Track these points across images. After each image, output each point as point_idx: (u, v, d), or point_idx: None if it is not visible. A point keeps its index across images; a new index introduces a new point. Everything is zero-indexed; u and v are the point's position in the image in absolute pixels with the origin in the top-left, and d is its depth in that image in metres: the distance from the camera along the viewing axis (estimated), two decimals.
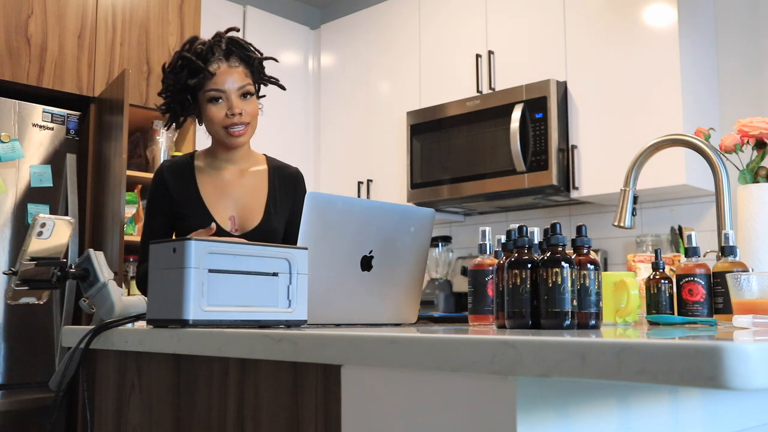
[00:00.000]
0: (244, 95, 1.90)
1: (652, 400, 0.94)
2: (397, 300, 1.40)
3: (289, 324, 1.16)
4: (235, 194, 1.95)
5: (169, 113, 1.98)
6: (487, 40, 3.77)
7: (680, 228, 3.17)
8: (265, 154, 2.08)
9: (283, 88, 2.07)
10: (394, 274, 1.38)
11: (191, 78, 1.88)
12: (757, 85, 3.29)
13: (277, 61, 2.10)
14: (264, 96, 2.04)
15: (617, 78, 3.30)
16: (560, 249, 1.07)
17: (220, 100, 1.88)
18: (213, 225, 1.76)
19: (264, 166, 2.03)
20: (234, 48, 1.94)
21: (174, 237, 1.96)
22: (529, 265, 1.08)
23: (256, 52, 1.98)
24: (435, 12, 4.02)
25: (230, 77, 1.89)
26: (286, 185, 2.03)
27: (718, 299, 1.31)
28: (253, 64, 1.96)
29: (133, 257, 3.40)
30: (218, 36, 1.95)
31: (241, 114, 1.88)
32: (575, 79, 3.43)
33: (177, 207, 1.92)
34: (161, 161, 3.52)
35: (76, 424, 2.98)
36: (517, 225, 1.16)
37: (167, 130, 2.01)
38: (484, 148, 3.59)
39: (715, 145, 1.68)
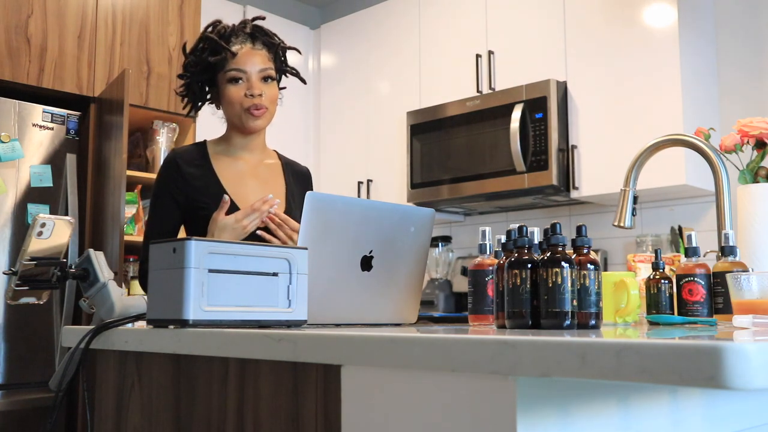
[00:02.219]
0: (265, 79, 1.86)
1: (652, 400, 0.94)
2: (397, 300, 1.40)
3: (289, 324, 1.16)
4: (253, 184, 1.89)
5: (188, 97, 1.92)
6: (487, 40, 3.77)
7: (680, 228, 3.17)
8: (275, 150, 2.04)
9: (303, 81, 2.03)
10: (394, 274, 1.38)
11: (212, 56, 1.84)
12: (757, 85, 3.29)
13: (300, 52, 2.08)
14: (284, 88, 2.00)
15: (617, 78, 3.30)
16: (560, 249, 1.07)
17: (240, 81, 1.84)
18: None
19: (277, 161, 1.99)
20: (258, 33, 1.89)
21: (185, 229, 1.89)
22: (529, 265, 1.08)
23: (281, 41, 1.93)
24: (435, 12, 4.02)
25: (252, 59, 1.85)
26: (299, 181, 1.99)
27: (718, 299, 1.31)
28: (276, 51, 1.91)
29: (134, 257, 3.40)
30: (243, 21, 1.91)
31: (261, 95, 1.83)
32: (575, 79, 3.43)
33: (195, 195, 1.82)
34: (161, 161, 3.52)
35: (76, 424, 2.98)
36: (517, 225, 1.16)
37: (186, 115, 1.93)
38: (484, 148, 3.59)
39: (715, 145, 1.68)
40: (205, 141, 1.95)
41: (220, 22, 1.91)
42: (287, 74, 1.98)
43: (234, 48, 1.85)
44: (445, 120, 3.78)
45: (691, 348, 0.61)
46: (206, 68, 1.87)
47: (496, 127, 3.54)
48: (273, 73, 1.88)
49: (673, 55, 3.14)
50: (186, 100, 1.94)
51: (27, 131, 3.09)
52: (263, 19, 1.96)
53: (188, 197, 1.83)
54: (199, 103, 1.94)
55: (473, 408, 0.76)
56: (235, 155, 1.92)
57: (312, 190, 2.02)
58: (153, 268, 1.13)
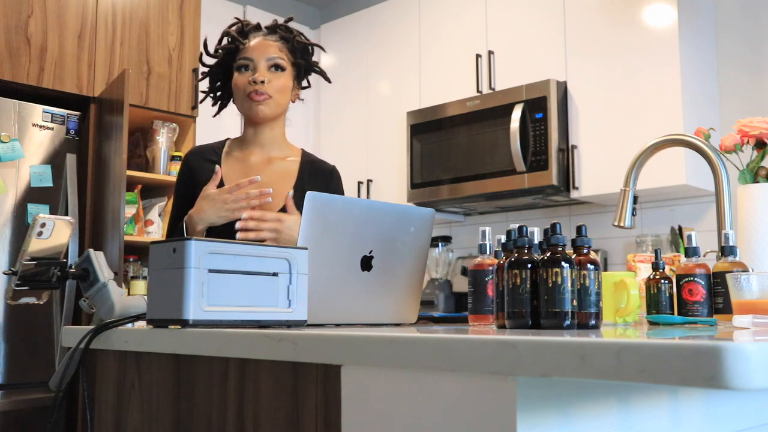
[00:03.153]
0: (274, 67, 1.84)
1: (652, 400, 0.94)
2: (397, 300, 1.40)
3: (289, 324, 1.16)
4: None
5: (212, 94, 1.94)
6: (487, 40, 3.77)
7: (680, 228, 3.17)
8: (302, 149, 2.01)
9: (328, 80, 2.02)
10: (394, 274, 1.38)
11: (226, 48, 1.85)
12: (757, 85, 3.29)
13: (324, 50, 2.08)
14: (308, 87, 1.99)
15: (617, 78, 3.30)
16: (560, 249, 1.07)
17: (248, 69, 1.84)
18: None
19: (297, 158, 1.96)
20: (279, 28, 1.90)
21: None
22: (529, 265, 1.08)
23: (300, 35, 1.92)
24: (435, 12, 4.02)
25: (261, 48, 1.84)
26: (317, 179, 1.94)
27: (718, 299, 1.31)
28: (292, 43, 1.89)
29: (133, 257, 3.40)
30: (273, 21, 1.93)
31: (263, 82, 1.81)
32: (575, 79, 3.43)
33: (198, 191, 1.80)
34: (161, 161, 3.53)
35: (76, 424, 2.98)
36: (517, 225, 1.16)
37: (214, 115, 1.95)
38: (484, 148, 3.59)
39: (715, 145, 1.68)
40: (227, 138, 1.97)
41: (243, 21, 1.92)
42: (311, 71, 1.97)
43: (247, 40, 1.86)
44: (445, 120, 3.78)
45: (691, 348, 0.61)
46: (222, 62, 1.88)
47: (496, 127, 3.54)
48: (283, 63, 1.86)
49: (673, 55, 3.14)
50: (210, 98, 1.95)
51: (27, 131, 3.09)
52: (291, 20, 1.97)
53: (194, 194, 1.83)
54: (219, 99, 1.94)
55: (473, 408, 0.76)
56: (247, 150, 1.91)
57: (335, 186, 1.97)
58: (153, 268, 1.13)
